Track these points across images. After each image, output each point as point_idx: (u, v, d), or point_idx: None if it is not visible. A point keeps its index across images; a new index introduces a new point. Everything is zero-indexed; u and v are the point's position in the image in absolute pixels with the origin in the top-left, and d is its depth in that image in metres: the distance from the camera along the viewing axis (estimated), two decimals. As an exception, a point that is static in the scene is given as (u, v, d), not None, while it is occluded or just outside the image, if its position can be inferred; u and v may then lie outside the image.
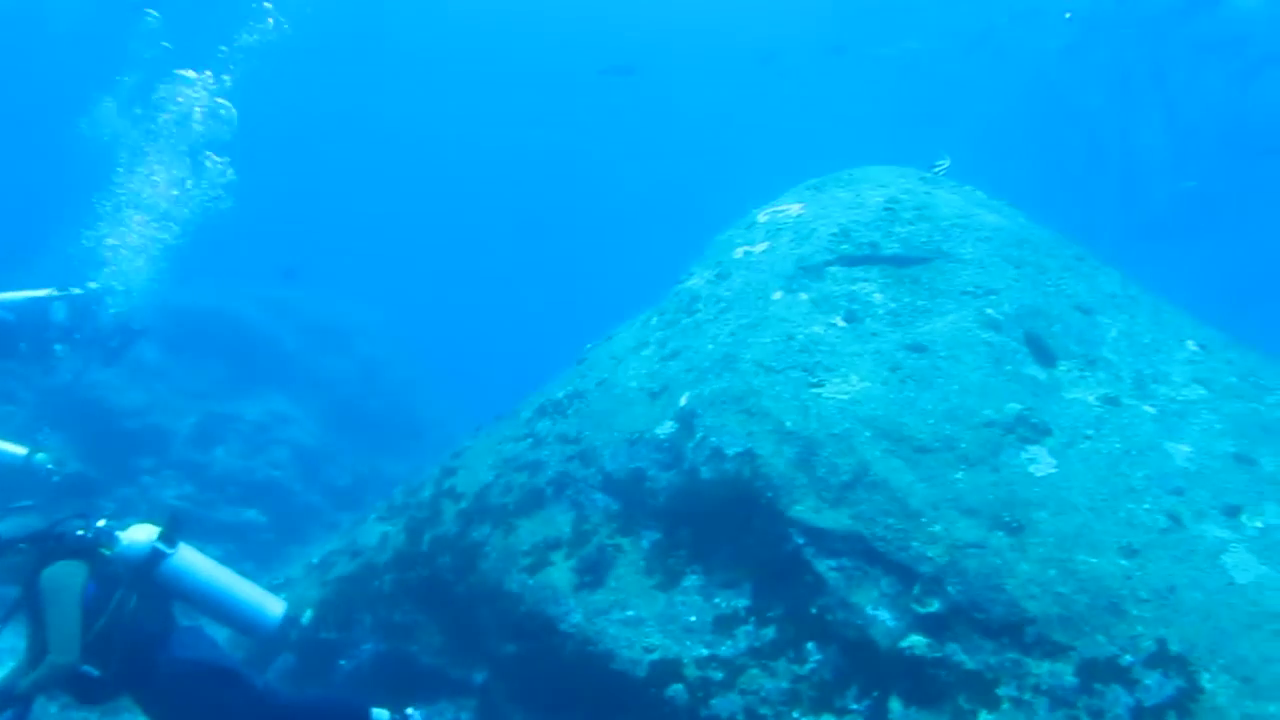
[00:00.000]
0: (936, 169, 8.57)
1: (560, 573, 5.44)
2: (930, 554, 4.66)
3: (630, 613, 5.15)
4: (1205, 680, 4.11)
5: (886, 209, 6.72)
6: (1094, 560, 4.57)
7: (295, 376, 15.56)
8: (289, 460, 13.45)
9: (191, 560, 4.97)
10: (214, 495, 12.01)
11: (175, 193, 10.98)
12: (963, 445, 5.11)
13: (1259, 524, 4.92)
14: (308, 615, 6.72)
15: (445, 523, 6.18)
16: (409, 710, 5.05)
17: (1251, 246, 22.98)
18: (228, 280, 17.15)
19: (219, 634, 5.35)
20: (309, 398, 15.30)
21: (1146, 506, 4.91)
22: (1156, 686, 4.11)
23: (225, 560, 5.40)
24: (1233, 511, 4.97)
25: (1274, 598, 4.49)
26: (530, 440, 6.33)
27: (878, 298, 6.08)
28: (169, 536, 4.90)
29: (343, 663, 6.39)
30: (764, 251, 6.64)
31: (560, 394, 6.53)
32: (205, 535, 10.33)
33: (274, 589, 7.50)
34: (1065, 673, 4.23)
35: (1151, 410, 5.62)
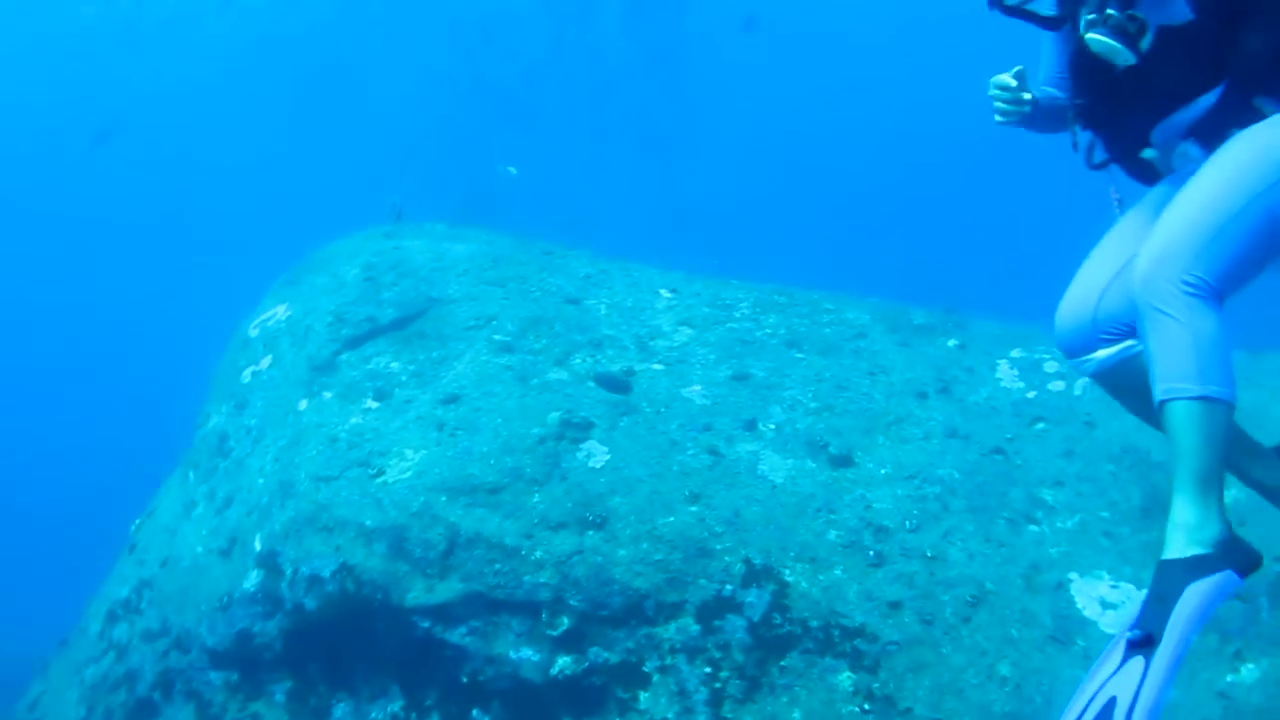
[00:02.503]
0: (393, 208, 8.93)
1: (205, 771, 5.14)
2: (543, 579, 5.02)
3: (293, 773, 5.02)
4: (788, 575, 4.88)
5: (367, 280, 6.90)
6: (672, 518, 5.18)
7: None
8: None
9: None
10: None
11: None
12: (528, 470, 5.49)
13: (772, 426, 5.84)
14: None
15: (53, 783, 5.54)
16: None
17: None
18: None
19: None
20: None
21: (691, 452, 5.62)
22: (757, 600, 4.81)
23: None
24: (750, 425, 5.84)
25: (804, 482, 5.40)
26: (113, 654, 5.82)
27: (395, 366, 6.27)
28: None
29: None
30: (270, 366, 6.55)
31: (125, 591, 6.05)
32: None
33: None
34: (689, 625, 4.81)
35: (660, 367, 6.38)
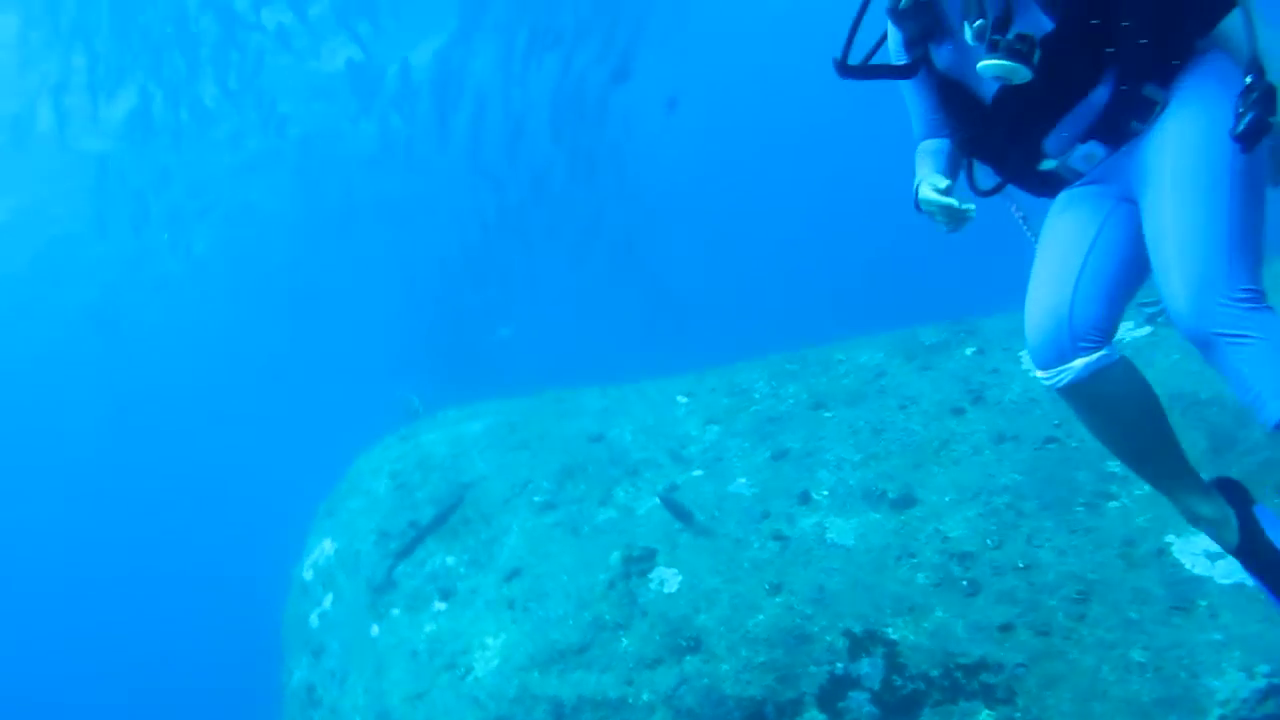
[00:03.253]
0: (409, 408, 9.14)
1: None
2: (656, 720, 4.93)
3: None
4: (892, 633, 4.76)
5: (398, 488, 6.96)
6: (761, 616, 5.10)
7: None
8: None
9: None
10: None
11: None
12: (607, 616, 5.44)
13: (825, 492, 5.79)
14: None
15: None
16: None
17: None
18: None
19: None
20: None
21: (757, 545, 5.57)
22: (871, 668, 4.69)
23: None
24: (805, 498, 5.79)
25: (875, 536, 5.31)
26: None
27: (451, 560, 6.28)
28: None
29: None
30: (334, 603, 6.58)
31: None
32: None
33: None
34: (815, 717, 4.68)
35: (700, 472, 6.37)
